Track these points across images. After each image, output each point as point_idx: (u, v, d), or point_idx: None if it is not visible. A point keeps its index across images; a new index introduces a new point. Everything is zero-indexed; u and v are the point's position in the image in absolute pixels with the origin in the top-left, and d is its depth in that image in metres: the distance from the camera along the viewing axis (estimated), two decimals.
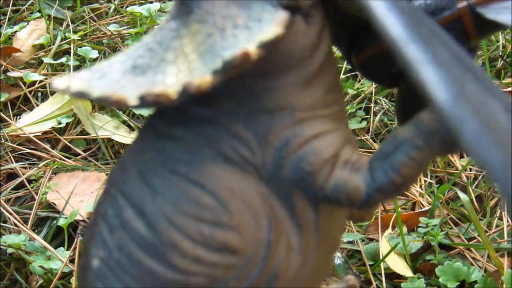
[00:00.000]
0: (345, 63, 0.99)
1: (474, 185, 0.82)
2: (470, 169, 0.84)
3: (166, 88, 0.32)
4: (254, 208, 0.37)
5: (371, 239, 0.74)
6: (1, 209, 0.75)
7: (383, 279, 0.68)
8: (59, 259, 0.68)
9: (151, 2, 1.19)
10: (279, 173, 0.37)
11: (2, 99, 0.94)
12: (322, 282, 0.43)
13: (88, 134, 0.89)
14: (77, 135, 0.90)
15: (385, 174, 0.36)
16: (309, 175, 0.37)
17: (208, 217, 0.36)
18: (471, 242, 0.73)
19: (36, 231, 0.74)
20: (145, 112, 0.88)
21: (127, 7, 1.19)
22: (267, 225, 0.37)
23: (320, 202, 0.38)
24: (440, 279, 0.66)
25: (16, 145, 0.87)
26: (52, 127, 0.90)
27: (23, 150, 0.86)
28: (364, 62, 0.42)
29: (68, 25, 1.14)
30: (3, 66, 1.01)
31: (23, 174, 0.82)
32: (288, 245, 0.38)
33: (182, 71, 0.33)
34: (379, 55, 0.41)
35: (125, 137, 0.88)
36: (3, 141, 0.87)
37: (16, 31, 1.09)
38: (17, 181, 0.81)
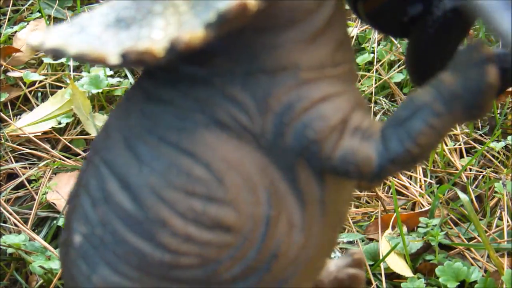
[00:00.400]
0: None
1: (474, 185, 0.82)
2: (470, 169, 0.84)
3: (152, 44, 0.29)
4: (252, 181, 0.33)
5: (371, 239, 0.74)
6: (1, 209, 0.75)
7: (383, 279, 0.68)
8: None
9: None
10: (280, 142, 0.33)
11: (2, 99, 0.94)
12: (326, 260, 0.40)
13: (88, 134, 0.89)
14: (77, 135, 0.90)
15: (400, 143, 0.33)
16: (315, 144, 0.33)
17: (200, 191, 0.33)
18: (471, 242, 0.73)
19: (36, 231, 0.74)
20: None
21: None
22: (266, 200, 0.34)
23: (326, 174, 0.34)
24: (440, 279, 0.66)
25: (16, 145, 0.87)
26: (52, 127, 0.90)
27: (23, 150, 0.86)
28: (372, 11, 0.38)
29: None
30: (3, 66, 1.01)
31: (23, 174, 0.82)
32: (290, 222, 0.34)
33: (172, 24, 0.29)
34: (389, 2, 0.37)
35: None
36: (3, 141, 0.87)
37: (16, 31, 1.09)
38: (17, 181, 0.81)
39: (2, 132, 0.88)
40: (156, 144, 0.33)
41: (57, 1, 1.18)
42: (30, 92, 0.97)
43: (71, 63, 1.01)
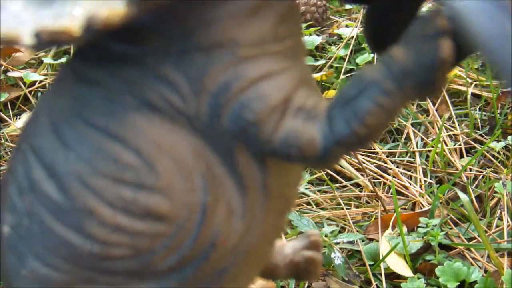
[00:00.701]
0: (345, 63, 0.99)
1: (474, 185, 0.82)
2: (470, 169, 0.84)
3: (71, 22, 0.26)
4: (186, 166, 0.31)
5: (371, 239, 0.74)
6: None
7: (383, 279, 0.68)
8: None
9: None
10: (216, 124, 0.31)
11: (2, 99, 0.94)
12: (272, 246, 0.38)
13: None
14: None
15: (346, 123, 0.30)
16: (253, 126, 0.31)
17: (129, 178, 0.31)
18: (471, 242, 0.73)
19: None
20: None
21: None
22: (202, 186, 0.32)
23: (268, 157, 0.32)
24: (440, 279, 0.66)
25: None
26: None
27: None
28: None
29: None
30: (3, 66, 1.01)
31: None
32: (229, 209, 0.32)
33: (95, 0, 0.27)
34: None
35: None
36: (3, 141, 0.87)
37: None
38: None
39: (2, 132, 0.88)
40: (83, 128, 0.31)
41: None
42: (30, 92, 0.97)
43: None
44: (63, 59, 1.02)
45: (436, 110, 0.93)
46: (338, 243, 0.70)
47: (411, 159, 0.87)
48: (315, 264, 0.45)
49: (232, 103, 0.31)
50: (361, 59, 1.00)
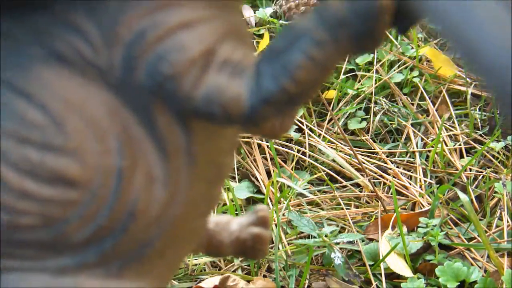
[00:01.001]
0: (345, 63, 0.99)
1: (474, 185, 0.82)
2: (470, 169, 0.84)
3: None
4: (99, 126, 0.28)
5: (371, 239, 0.74)
6: None
7: (383, 279, 0.68)
8: None
9: None
10: (131, 79, 0.28)
11: None
12: (204, 220, 0.35)
13: None
14: None
15: (274, 79, 0.27)
16: (171, 80, 0.28)
17: (36, 138, 0.28)
18: (471, 242, 0.73)
19: None
20: None
21: None
22: (117, 148, 0.29)
23: (191, 119, 0.29)
24: (440, 279, 0.66)
25: None
26: None
27: None
28: None
29: None
30: None
31: None
32: (149, 175, 0.30)
33: None
34: None
35: None
36: None
37: None
38: None
39: None
40: None
41: None
42: None
43: None
44: None
45: (436, 110, 0.93)
46: (338, 243, 0.70)
47: (411, 159, 0.87)
48: (262, 242, 0.42)
49: (147, 55, 0.28)
50: (361, 59, 1.00)
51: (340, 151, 0.86)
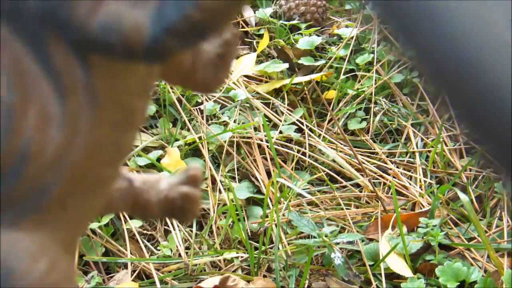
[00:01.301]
0: (345, 63, 0.99)
1: (474, 185, 0.82)
2: (470, 170, 0.84)
3: None
4: None
5: (371, 239, 0.74)
6: None
7: (383, 279, 0.68)
8: None
9: None
10: (18, 5, 0.25)
11: None
12: (113, 168, 0.32)
13: None
14: None
15: (178, 6, 0.25)
16: (62, 8, 0.25)
17: None
18: (471, 242, 0.73)
19: None
20: None
21: None
22: (6, 82, 0.26)
23: (90, 53, 0.27)
24: (440, 279, 0.66)
25: None
26: None
27: None
28: None
29: None
30: None
31: None
32: (43, 114, 0.27)
33: None
34: None
35: None
36: None
37: None
38: None
39: None
40: None
41: None
42: None
43: None
44: None
45: (436, 110, 0.93)
46: (338, 243, 0.70)
47: (411, 160, 0.87)
48: (192, 201, 0.39)
49: None
50: (361, 59, 1.00)
51: (340, 151, 0.86)
